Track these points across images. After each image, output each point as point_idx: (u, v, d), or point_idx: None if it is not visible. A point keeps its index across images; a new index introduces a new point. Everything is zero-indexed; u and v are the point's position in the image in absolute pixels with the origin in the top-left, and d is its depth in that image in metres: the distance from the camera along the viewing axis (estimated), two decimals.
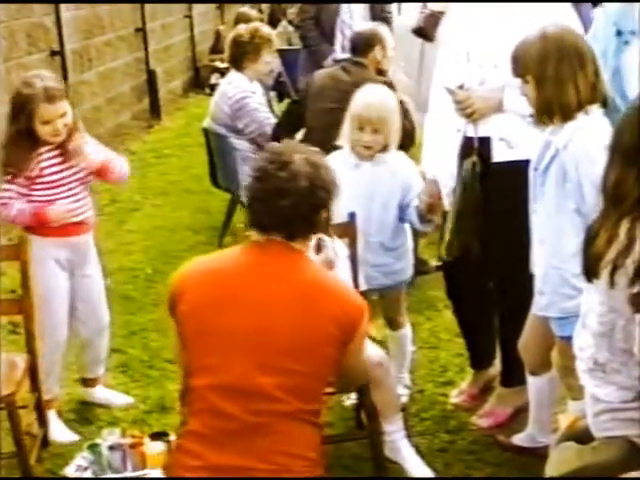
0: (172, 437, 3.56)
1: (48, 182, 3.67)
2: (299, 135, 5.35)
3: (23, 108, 3.55)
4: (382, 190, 3.68)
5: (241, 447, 2.50)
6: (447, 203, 3.61)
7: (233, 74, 5.72)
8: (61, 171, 3.69)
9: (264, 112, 5.61)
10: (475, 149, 3.45)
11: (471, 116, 3.42)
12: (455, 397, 4.00)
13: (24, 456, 3.46)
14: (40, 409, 3.77)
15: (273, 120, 5.60)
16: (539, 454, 3.48)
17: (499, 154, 3.45)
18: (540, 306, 3.11)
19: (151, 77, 10.53)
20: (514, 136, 3.41)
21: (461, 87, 3.42)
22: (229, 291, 2.60)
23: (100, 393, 4.20)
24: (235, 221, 6.29)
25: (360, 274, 3.60)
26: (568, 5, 3.42)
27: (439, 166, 3.60)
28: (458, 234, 3.46)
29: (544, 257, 3.05)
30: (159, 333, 4.92)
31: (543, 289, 3.07)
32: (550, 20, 3.02)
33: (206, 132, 6.05)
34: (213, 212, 6.93)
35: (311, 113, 4.99)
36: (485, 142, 3.47)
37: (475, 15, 3.47)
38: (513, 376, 3.77)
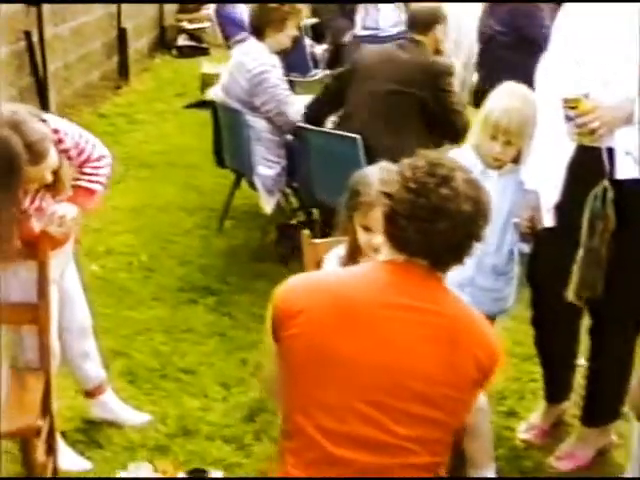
0: (213, 474, 3.07)
1: None
2: (332, 118, 4.87)
3: None
4: (507, 205, 3.20)
5: None
6: (546, 220, 3.13)
7: (252, 43, 5.06)
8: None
9: (284, 89, 4.99)
10: (606, 172, 2.94)
11: (596, 131, 2.90)
12: (524, 432, 3.54)
13: None
14: (52, 435, 3.19)
15: (293, 98, 5.04)
16: None
17: (623, 170, 2.95)
18: None
19: (121, 35, 9.81)
20: None
21: (586, 96, 2.89)
22: (356, 316, 2.12)
23: (111, 403, 3.61)
24: (235, 203, 5.75)
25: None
26: None
27: (542, 177, 3.11)
28: (587, 271, 2.97)
29: None
30: (167, 334, 4.37)
31: None
32: None
33: (214, 106, 5.43)
34: (205, 191, 6.33)
35: (357, 94, 4.48)
36: (607, 155, 2.98)
37: (595, 12, 2.97)
38: (599, 414, 3.34)
